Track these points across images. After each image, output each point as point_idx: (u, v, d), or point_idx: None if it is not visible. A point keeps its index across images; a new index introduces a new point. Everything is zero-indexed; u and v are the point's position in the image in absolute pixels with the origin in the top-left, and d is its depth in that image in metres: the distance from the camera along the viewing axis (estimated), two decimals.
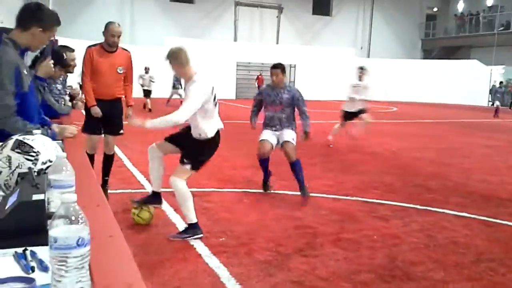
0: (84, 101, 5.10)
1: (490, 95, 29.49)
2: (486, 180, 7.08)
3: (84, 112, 5.21)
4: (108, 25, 4.97)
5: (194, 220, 4.02)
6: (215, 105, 4.14)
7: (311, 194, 5.56)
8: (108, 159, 5.43)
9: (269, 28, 31.20)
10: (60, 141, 2.69)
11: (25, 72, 2.55)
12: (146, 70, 17.78)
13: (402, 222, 4.82)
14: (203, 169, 6.61)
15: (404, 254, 3.92)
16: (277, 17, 31.00)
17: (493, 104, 20.66)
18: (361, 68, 10.34)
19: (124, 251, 1.24)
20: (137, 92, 20.42)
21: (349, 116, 10.04)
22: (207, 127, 4.07)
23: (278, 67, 5.70)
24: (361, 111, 9.96)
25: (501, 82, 23.16)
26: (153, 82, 17.91)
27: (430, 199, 5.81)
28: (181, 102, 4.60)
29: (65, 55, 4.83)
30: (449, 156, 9.20)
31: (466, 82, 28.10)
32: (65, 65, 4.89)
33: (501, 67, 30.59)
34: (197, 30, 29.20)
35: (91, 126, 5.12)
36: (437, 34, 35.76)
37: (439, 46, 35.06)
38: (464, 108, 25.73)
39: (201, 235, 4.03)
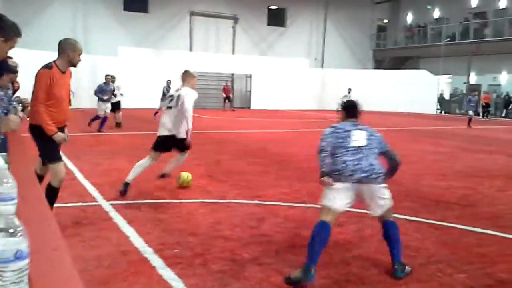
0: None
1: (438, 103, 30.75)
2: (435, 185, 7.34)
3: (38, 141, 4.40)
4: (74, 44, 4.39)
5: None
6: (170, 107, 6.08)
7: (267, 203, 5.59)
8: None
9: (224, 38, 31.30)
10: (5, 154, 2.60)
11: None
12: (112, 79, 14.72)
13: (356, 228, 4.93)
14: (157, 180, 6.51)
15: (359, 260, 4.01)
16: (232, 27, 31.17)
17: (466, 114, 20.71)
18: None
19: (67, 264, 1.21)
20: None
21: None
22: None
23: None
24: None
25: (474, 90, 23.49)
26: (121, 95, 14.96)
27: None
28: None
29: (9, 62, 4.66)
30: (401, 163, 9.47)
31: (415, 91, 29.13)
32: (10, 71, 4.72)
33: (448, 77, 31.97)
34: (152, 39, 28.89)
35: (57, 152, 4.47)
36: (388, 45, 36.96)
37: (390, 56, 36.25)
38: (413, 116, 26.64)
39: None
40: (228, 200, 5.86)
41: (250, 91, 29.89)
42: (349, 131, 4.00)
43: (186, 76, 6.34)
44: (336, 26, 35.03)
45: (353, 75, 31.04)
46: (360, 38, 36.09)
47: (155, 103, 23.97)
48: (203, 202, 5.76)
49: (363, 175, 3.78)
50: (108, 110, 13.73)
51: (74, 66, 4.45)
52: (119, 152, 9.49)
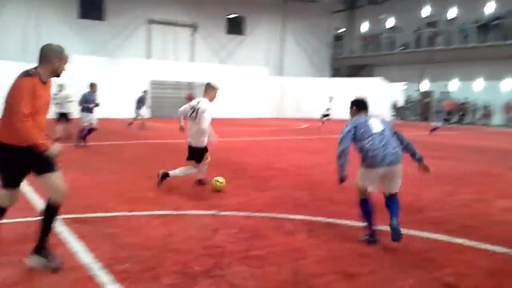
0: None
1: (393, 110, 31.55)
2: None
3: None
4: (61, 52, 3.96)
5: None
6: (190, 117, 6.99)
7: (222, 213, 5.55)
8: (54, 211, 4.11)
9: (183, 47, 31.14)
10: None
11: None
12: (61, 88, 14.30)
13: (308, 235, 4.95)
14: (109, 191, 6.39)
15: (308, 267, 4.03)
16: (191, 35, 31.04)
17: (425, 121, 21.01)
18: None
19: None
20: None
21: None
22: None
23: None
24: None
25: (426, 97, 23.75)
26: (70, 101, 14.04)
27: (335, 211, 6.04)
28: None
29: None
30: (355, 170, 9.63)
31: (371, 98, 29.62)
32: None
33: (403, 84, 32.91)
34: (108, 47, 28.39)
35: (13, 177, 3.97)
36: (344, 53, 37.71)
37: (346, 64, 36.99)
38: None
39: None
40: (182, 212, 5.78)
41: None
42: (366, 121, 4.75)
43: (207, 88, 6.99)
44: (294, 34, 35.51)
45: (312, 83, 31.50)
46: (318, 46, 36.70)
47: (113, 113, 23.64)
48: (156, 214, 5.65)
49: (391, 158, 4.58)
50: (94, 121, 12.87)
51: (58, 76, 4.04)
52: (73, 163, 9.22)
